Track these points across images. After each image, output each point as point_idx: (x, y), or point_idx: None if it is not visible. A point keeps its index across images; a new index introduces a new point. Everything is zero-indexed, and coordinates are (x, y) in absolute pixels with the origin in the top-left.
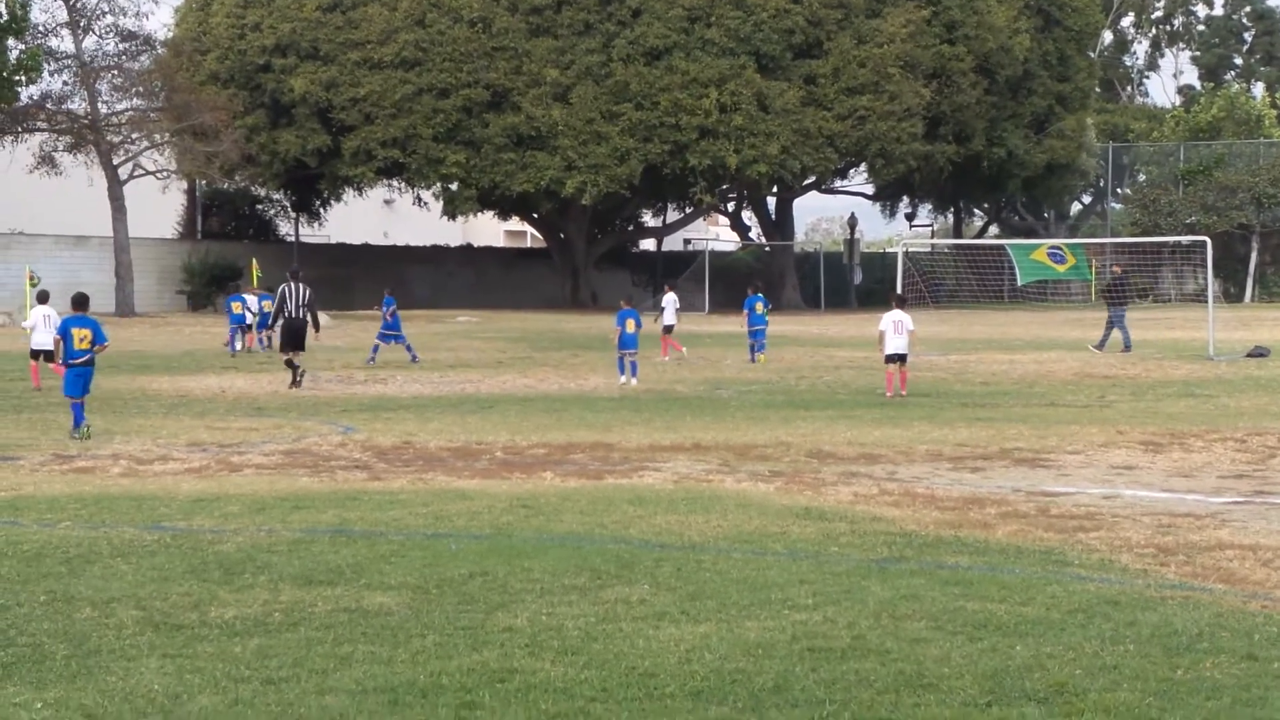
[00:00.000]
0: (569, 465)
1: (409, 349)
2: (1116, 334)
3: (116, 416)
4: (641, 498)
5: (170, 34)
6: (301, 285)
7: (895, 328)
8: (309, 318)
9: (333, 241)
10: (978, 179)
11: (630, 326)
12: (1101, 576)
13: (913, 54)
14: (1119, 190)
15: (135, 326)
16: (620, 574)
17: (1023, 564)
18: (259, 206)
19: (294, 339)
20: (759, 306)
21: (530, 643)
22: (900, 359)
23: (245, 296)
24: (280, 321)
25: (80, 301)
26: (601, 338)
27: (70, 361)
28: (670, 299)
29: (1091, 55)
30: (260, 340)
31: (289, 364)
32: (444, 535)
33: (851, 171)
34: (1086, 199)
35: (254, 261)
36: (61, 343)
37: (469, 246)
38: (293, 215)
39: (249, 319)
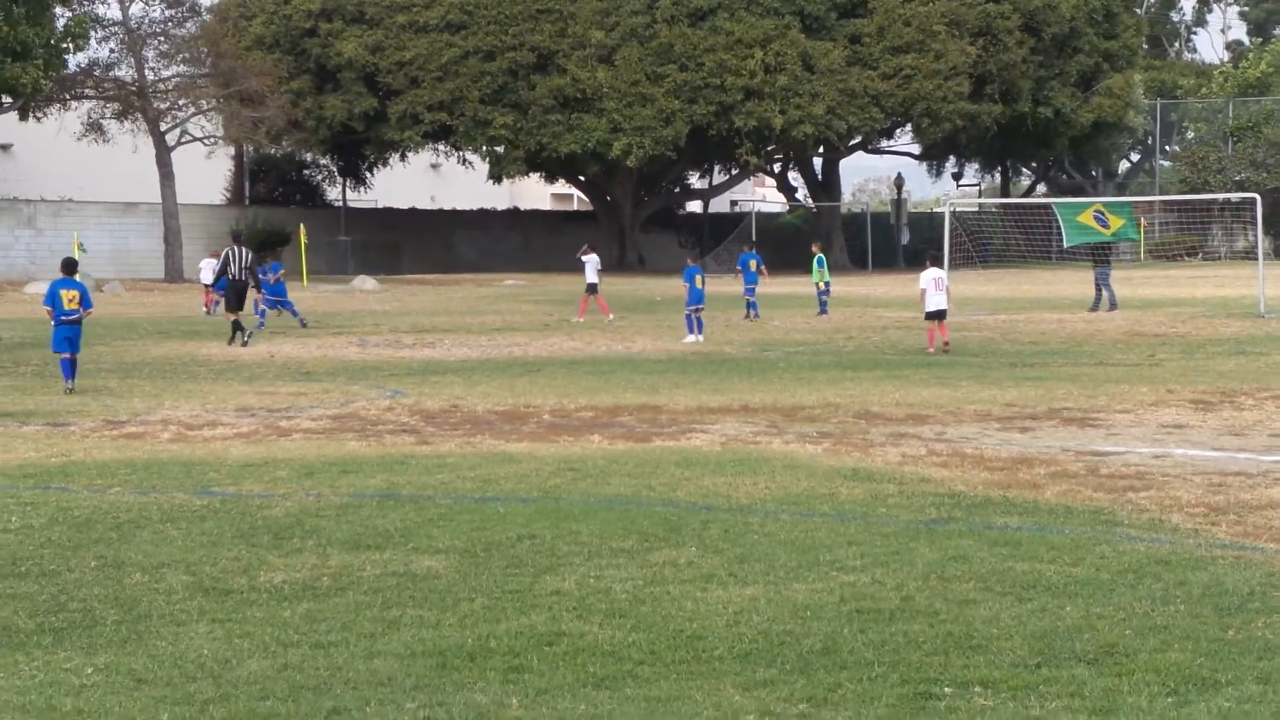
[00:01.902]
0: (616, 428)
1: (295, 314)
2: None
3: (166, 382)
4: (689, 460)
5: (216, 0)
6: (244, 249)
7: (936, 285)
8: (250, 279)
9: (380, 206)
10: (1024, 138)
11: (699, 282)
12: (1152, 536)
13: (958, 12)
14: (1167, 148)
15: (184, 292)
16: (668, 536)
17: (1072, 524)
18: (306, 171)
19: (237, 299)
20: (752, 265)
21: (578, 606)
22: (941, 315)
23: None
24: (225, 281)
25: (69, 266)
26: (648, 300)
27: (61, 320)
28: (591, 259)
29: (1138, 12)
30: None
31: (235, 325)
32: (492, 499)
33: (897, 131)
34: (1135, 157)
35: (301, 227)
36: (52, 310)
37: (516, 210)
38: (339, 180)
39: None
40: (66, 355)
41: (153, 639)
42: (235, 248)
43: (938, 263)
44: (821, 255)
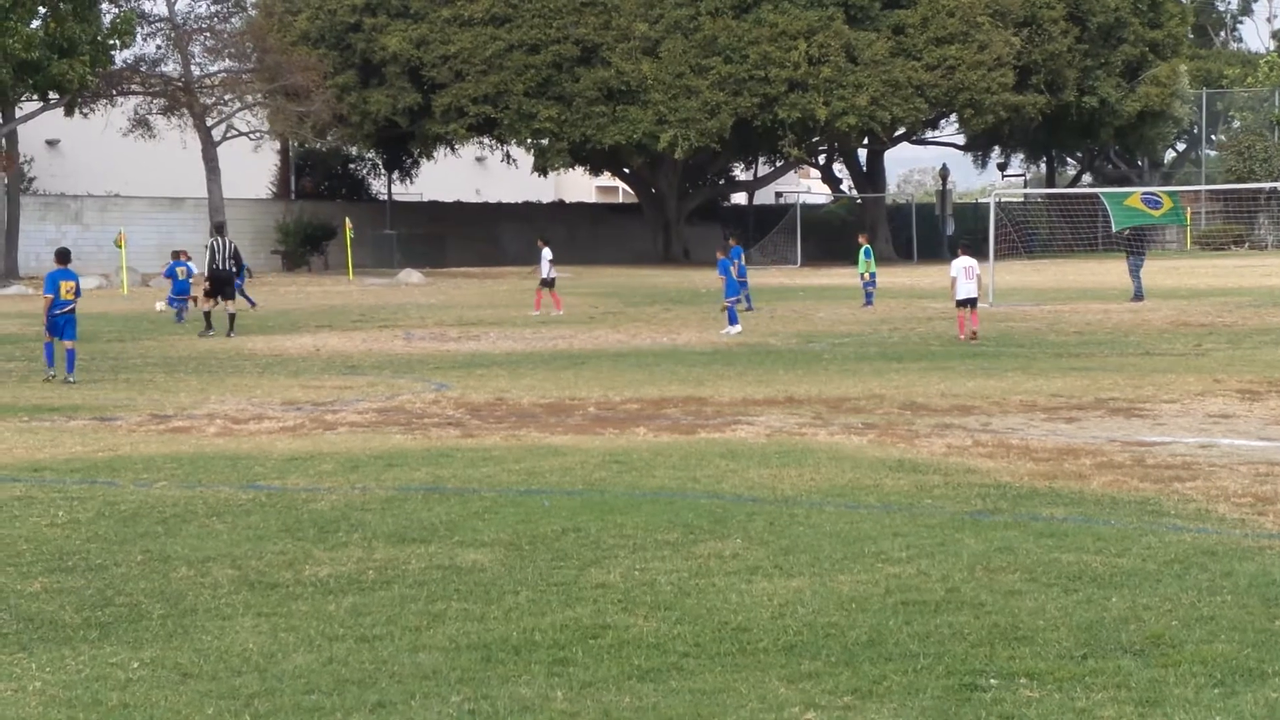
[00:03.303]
0: (662, 420)
1: (179, 314)
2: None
3: (212, 376)
4: (734, 452)
5: None
6: (228, 240)
7: (966, 273)
8: (235, 269)
9: (425, 199)
10: (1070, 128)
11: (733, 273)
12: (1198, 527)
13: (1002, 2)
14: (1213, 137)
15: None
16: (713, 529)
17: (1118, 515)
18: (351, 166)
19: (221, 288)
20: (743, 258)
21: (623, 598)
22: (972, 303)
23: (189, 263)
24: (213, 274)
25: (64, 256)
26: (692, 292)
27: (56, 311)
28: (545, 253)
29: (1183, 1)
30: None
31: (207, 315)
32: (537, 491)
33: (942, 122)
34: (1181, 146)
35: (347, 221)
36: (52, 298)
37: (561, 203)
38: (385, 174)
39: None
40: (52, 340)
41: (198, 633)
42: (220, 239)
43: (969, 251)
44: (868, 246)
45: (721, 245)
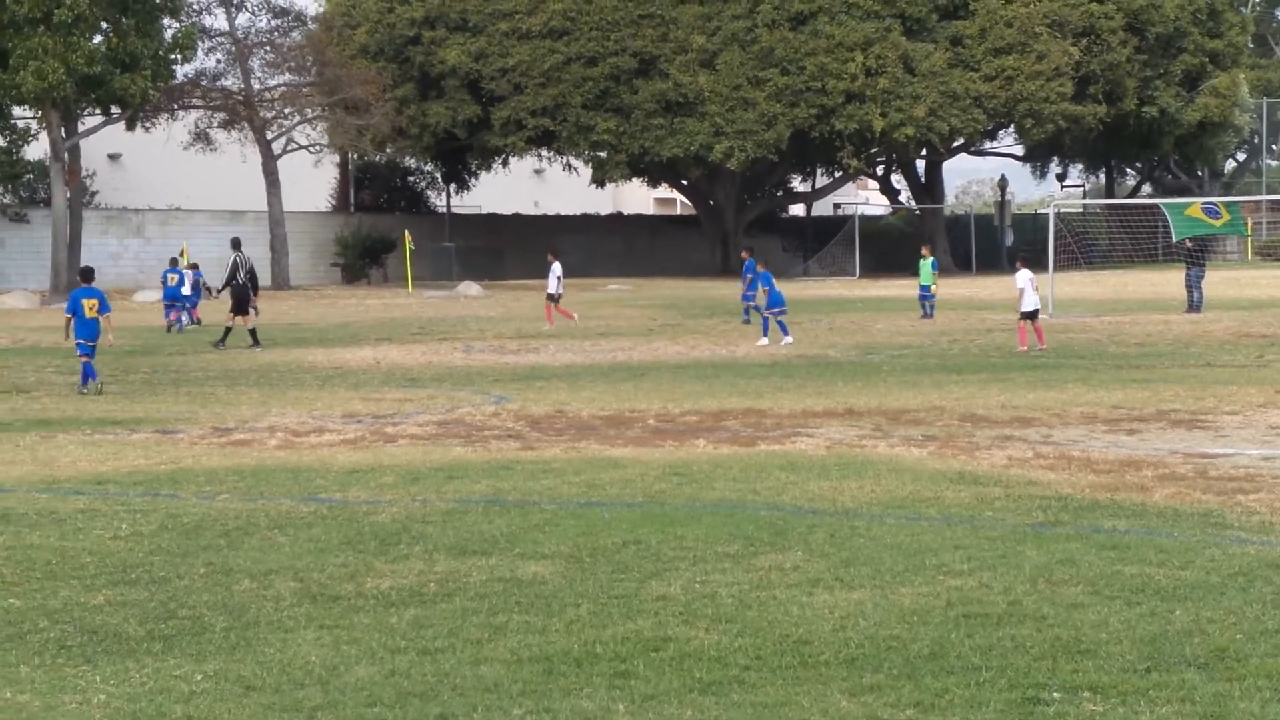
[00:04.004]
0: (721, 432)
1: (177, 321)
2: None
3: (273, 389)
4: (794, 464)
5: (321, 9)
6: (246, 255)
7: (1032, 285)
8: (252, 286)
9: (484, 212)
10: (1129, 138)
11: (775, 285)
12: (1262, 539)
13: (1061, 13)
14: (1274, 147)
15: (290, 299)
16: (773, 541)
17: (1181, 527)
18: (410, 178)
19: (241, 304)
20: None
21: (684, 611)
22: (1035, 315)
23: (183, 271)
24: (228, 288)
25: (87, 274)
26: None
27: (80, 338)
28: (555, 267)
29: (1243, 10)
30: (179, 319)
31: (227, 329)
32: (597, 504)
33: (1001, 133)
34: (1241, 156)
35: (406, 233)
36: (73, 317)
37: (619, 215)
38: (443, 186)
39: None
40: (88, 359)
41: (261, 646)
42: (240, 254)
43: (1029, 263)
44: (933, 258)
45: (760, 258)
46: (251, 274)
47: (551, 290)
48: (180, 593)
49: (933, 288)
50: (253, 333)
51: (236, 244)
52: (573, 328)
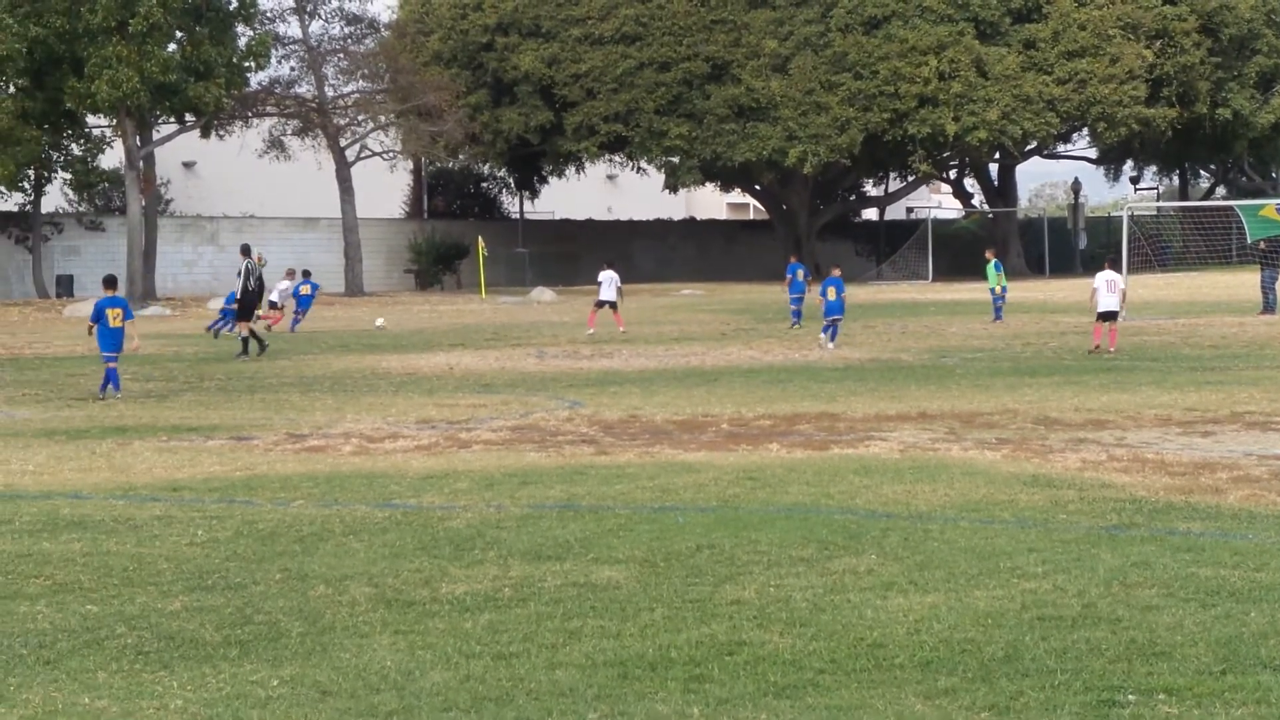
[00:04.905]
0: (795, 436)
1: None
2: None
3: (348, 395)
4: (867, 467)
5: (394, 16)
6: (255, 262)
7: (1109, 286)
8: (259, 293)
9: (557, 218)
10: (1202, 140)
11: (832, 294)
12: None
13: (1134, 15)
14: None
15: (364, 306)
16: (847, 544)
17: (1256, 529)
18: (483, 184)
19: (248, 311)
20: (799, 274)
21: (758, 615)
22: (1111, 316)
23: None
24: (244, 295)
25: (111, 283)
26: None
27: (107, 351)
28: (608, 275)
29: None
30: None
31: (253, 335)
32: (670, 508)
33: (1074, 136)
34: None
35: (480, 239)
36: (95, 325)
37: (692, 220)
38: (516, 192)
39: (277, 299)
40: (114, 365)
41: (337, 651)
42: (251, 262)
43: (1115, 266)
44: (997, 261)
45: (834, 262)
46: (260, 281)
47: (607, 296)
48: (256, 598)
49: (996, 289)
50: (244, 341)
51: (246, 250)
52: (630, 335)
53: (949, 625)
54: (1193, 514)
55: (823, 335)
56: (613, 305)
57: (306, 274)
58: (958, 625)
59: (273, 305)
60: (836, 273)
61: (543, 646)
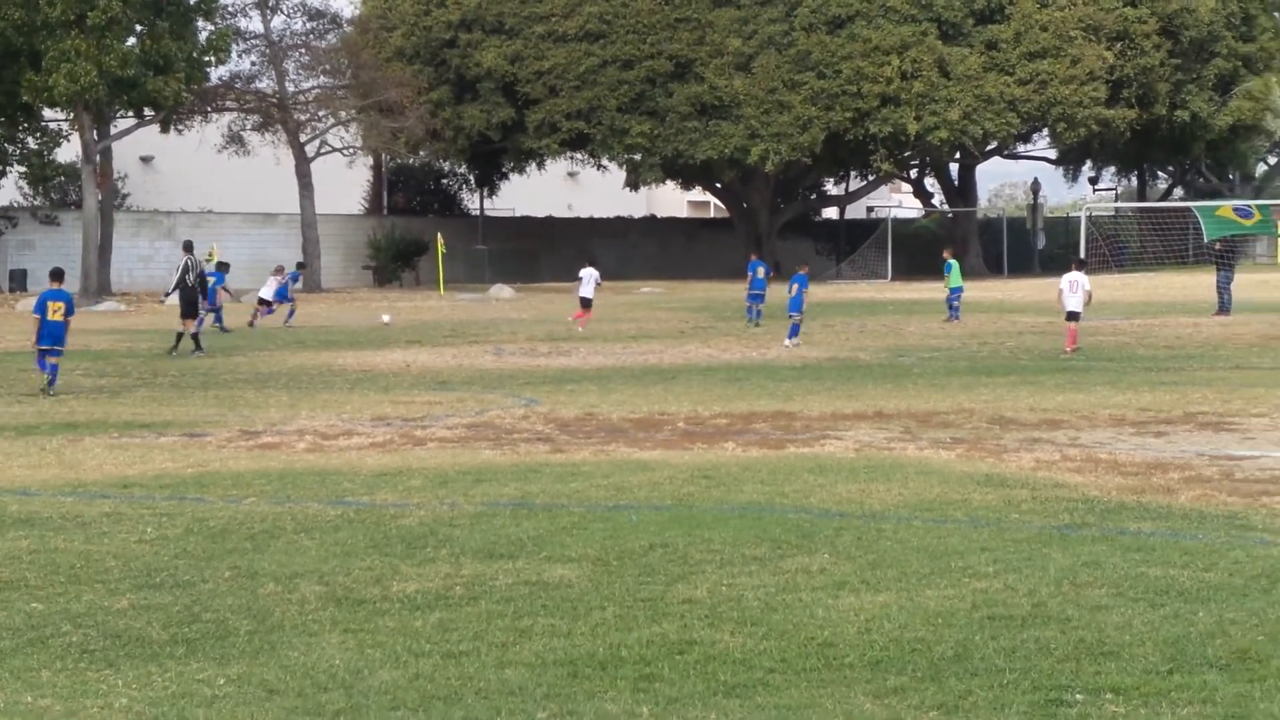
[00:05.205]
0: (750, 435)
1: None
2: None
3: (302, 392)
4: (822, 466)
5: (356, 12)
6: (196, 258)
7: (1071, 287)
8: (201, 289)
9: (517, 215)
10: (1161, 142)
11: (794, 290)
12: None
13: (1095, 17)
14: None
15: (322, 302)
16: (800, 543)
17: (1206, 529)
18: (444, 181)
19: (190, 308)
20: (760, 271)
21: (710, 614)
22: (1074, 316)
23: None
24: (178, 292)
25: (58, 275)
26: (783, 306)
27: (43, 344)
28: (589, 273)
29: (1276, 15)
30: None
31: (194, 335)
32: (625, 507)
33: (1034, 136)
34: (1272, 160)
35: (439, 236)
36: (40, 318)
37: (653, 217)
38: (476, 189)
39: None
40: (49, 359)
41: (285, 649)
42: (191, 257)
43: (1080, 266)
44: (952, 261)
45: (801, 260)
46: (201, 278)
47: (584, 294)
48: (204, 596)
49: (951, 289)
50: (195, 338)
51: (188, 247)
52: (588, 333)
53: (899, 624)
54: (1144, 514)
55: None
56: (588, 303)
57: (301, 266)
58: (908, 624)
59: (263, 301)
60: (803, 270)
61: (493, 645)
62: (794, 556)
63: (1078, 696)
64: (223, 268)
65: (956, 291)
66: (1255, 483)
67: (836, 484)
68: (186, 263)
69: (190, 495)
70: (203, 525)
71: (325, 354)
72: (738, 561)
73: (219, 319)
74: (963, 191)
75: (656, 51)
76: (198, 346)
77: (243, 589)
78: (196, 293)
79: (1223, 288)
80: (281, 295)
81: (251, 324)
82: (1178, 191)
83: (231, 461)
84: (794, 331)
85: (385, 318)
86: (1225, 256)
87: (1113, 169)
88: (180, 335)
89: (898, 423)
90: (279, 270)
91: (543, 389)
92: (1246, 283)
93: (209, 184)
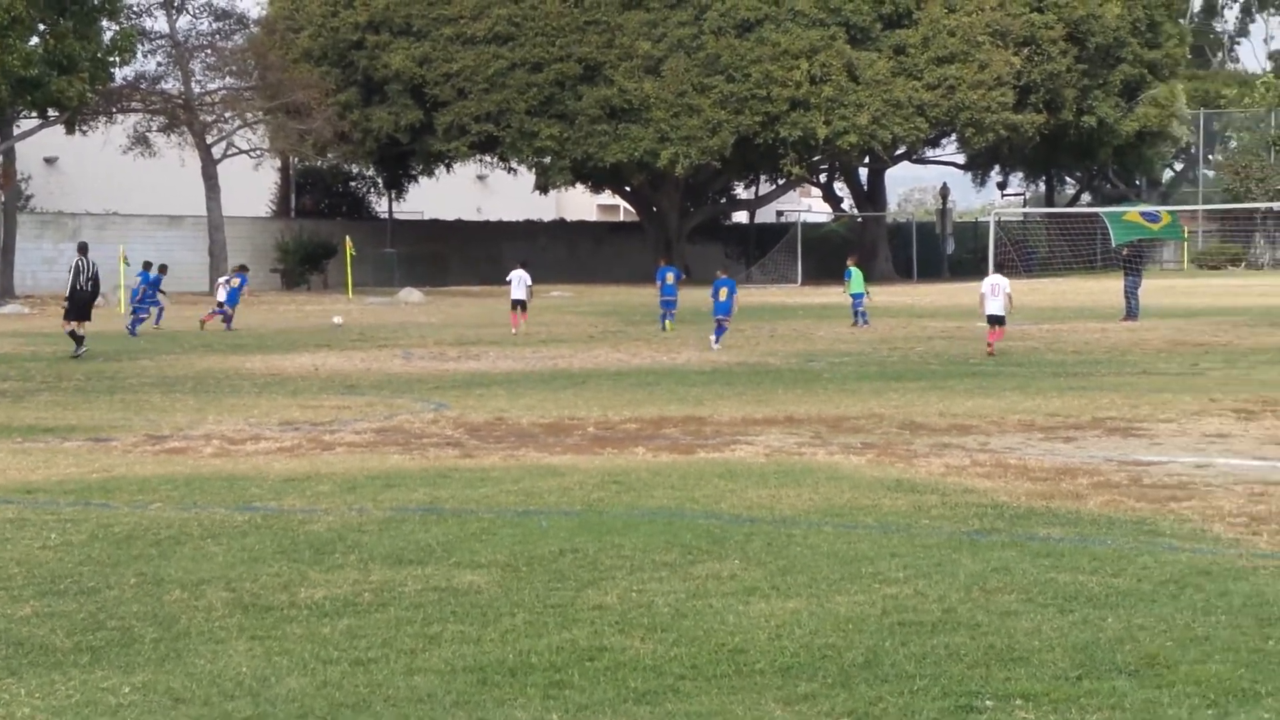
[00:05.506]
0: (661, 440)
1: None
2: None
3: (210, 396)
4: (733, 472)
5: (264, 12)
6: (90, 260)
7: (993, 290)
8: (94, 291)
9: (426, 218)
10: (1068, 147)
11: (723, 295)
12: (1194, 546)
13: (1002, 22)
14: (1210, 157)
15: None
16: (711, 549)
17: (1114, 535)
18: (352, 184)
19: (81, 310)
20: (669, 277)
21: (620, 620)
22: (997, 320)
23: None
24: (73, 294)
25: None
26: (694, 309)
27: None
28: (518, 275)
29: (1182, 22)
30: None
31: (73, 334)
32: (535, 512)
33: (943, 141)
34: (1178, 166)
35: (347, 239)
36: None
37: (562, 221)
38: (385, 192)
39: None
40: None
41: (191, 657)
42: (83, 259)
43: (1000, 269)
44: (853, 268)
45: (723, 264)
46: (94, 279)
47: (518, 296)
48: (110, 603)
49: (860, 294)
50: (78, 339)
51: (83, 249)
52: (498, 337)
53: (810, 630)
54: (1053, 519)
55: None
56: (522, 305)
57: (243, 268)
58: (818, 630)
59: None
60: (725, 274)
61: (401, 652)
62: (704, 562)
63: (988, 703)
64: (162, 269)
65: (859, 297)
66: (1163, 488)
67: (747, 489)
68: (77, 264)
69: (95, 501)
70: (108, 531)
71: (233, 358)
72: (648, 567)
73: (159, 319)
74: (872, 196)
75: (566, 54)
76: (78, 346)
77: (148, 596)
78: (88, 295)
79: (1130, 293)
80: (233, 299)
81: (228, 327)
82: (1085, 197)
83: (137, 466)
84: (720, 333)
85: (337, 319)
86: (1132, 261)
87: (1021, 174)
88: (81, 338)
89: (808, 428)
90: (242, 269)
91: (452, 393)
92: (1154, 288)
93: (114, 185)
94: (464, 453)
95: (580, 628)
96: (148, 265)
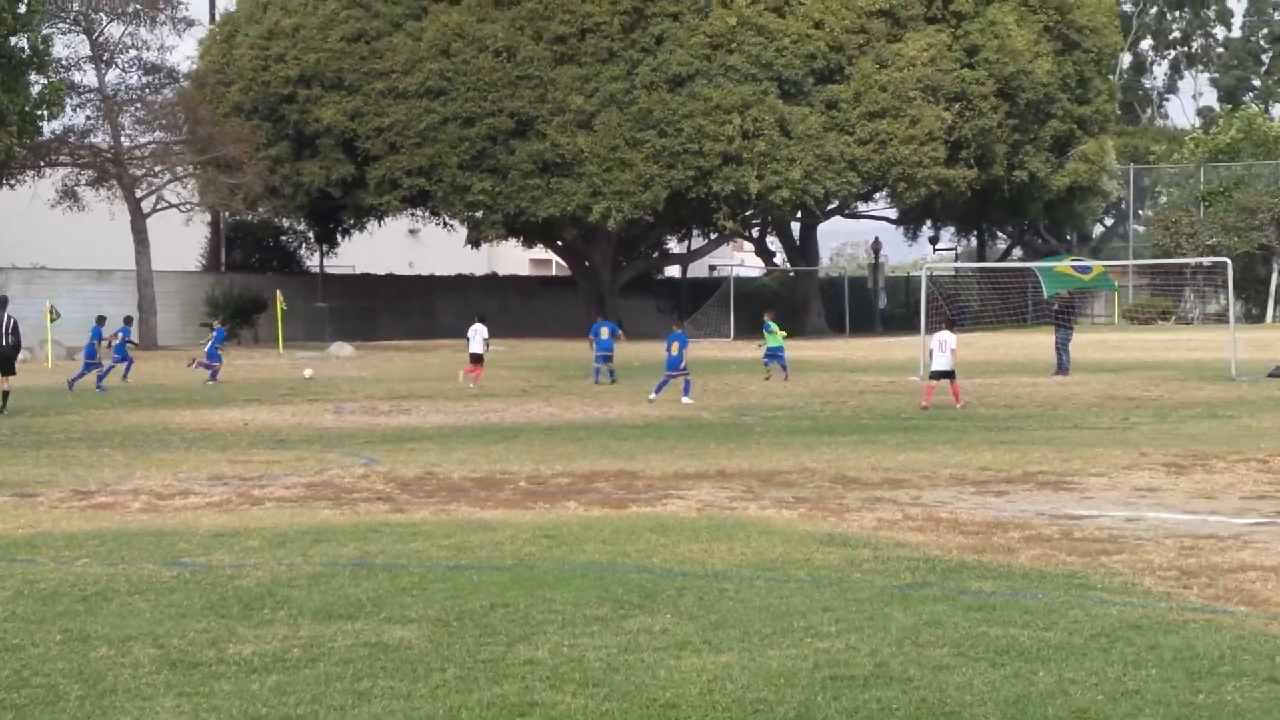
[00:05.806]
0: (593, 494)
1: (80, 375)
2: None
3: (138, 451)
4: (665, 526)
5: (194, 66)
6: (9, 316)
7: (940, 346)
8: (14, 346)
9: (357, 272)
10: (1000, 202)
11: (675, 349)
12: (1124, 600)
13: (934, 78)
14: (1140, 212)
15: (158, 360)
16: (643, 604)
17: (1046, 588)
18: (283, 238)
19: (4, 365)
20: (604, 332)
21: (551, 675)
22: (945, 375)
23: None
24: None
25: None
26: (625, 364)
27: None
28: (476, 329)
29: (1111, 78)
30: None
31: (3, 393)
32: (466, 567)
33: (875, 196)
34: (1109, 221)
35: (278, 293)
36: None
37: (494, 275)
38: (316, 246)
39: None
40: None
41: (118, 714)
42: (3, 314)
43: (950, 325)
44: (770, 323)
45: (676, 320)
46: (14, 333)
47: (476, 350)
48: (34, 660)
49: (774, 348)
50: (4, 395)
51: (2, 303)
52: (430, 390)
53: (742, 685)
54: (985, 573)
55: (655, 393)
56: (479, 358)
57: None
58: (750, 685)
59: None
60: (678, 329)
61: (331, 708)
62: (636, 617)
63: None
64: (127, 321)
65: (778, 351)
66: (1094, 542)
67: (679, 543)
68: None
69: (20, 556)
70: (33, 587)
71: (162, 412)
72: (579, 622)
73: (127, 372)
74: (804, 250)
75: (498, 109)
76: (4, 405)
77: (74, 652)
78: (10, 350)
79: (1061, 347)
80: (212, 353)
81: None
82: (1017, 251)
83: (64, 522)
84: (661, 387)
85: (307, 372)
86: (1064, 315)
87: (952, 229)
88: (6, 394)
89: (740, 482)
90: (222, 322)
91: (383, 448)
92: (1085, 342)
93: (42, 239)
94: (395, 507)
95: (511, 683)
96: (100, 320)
